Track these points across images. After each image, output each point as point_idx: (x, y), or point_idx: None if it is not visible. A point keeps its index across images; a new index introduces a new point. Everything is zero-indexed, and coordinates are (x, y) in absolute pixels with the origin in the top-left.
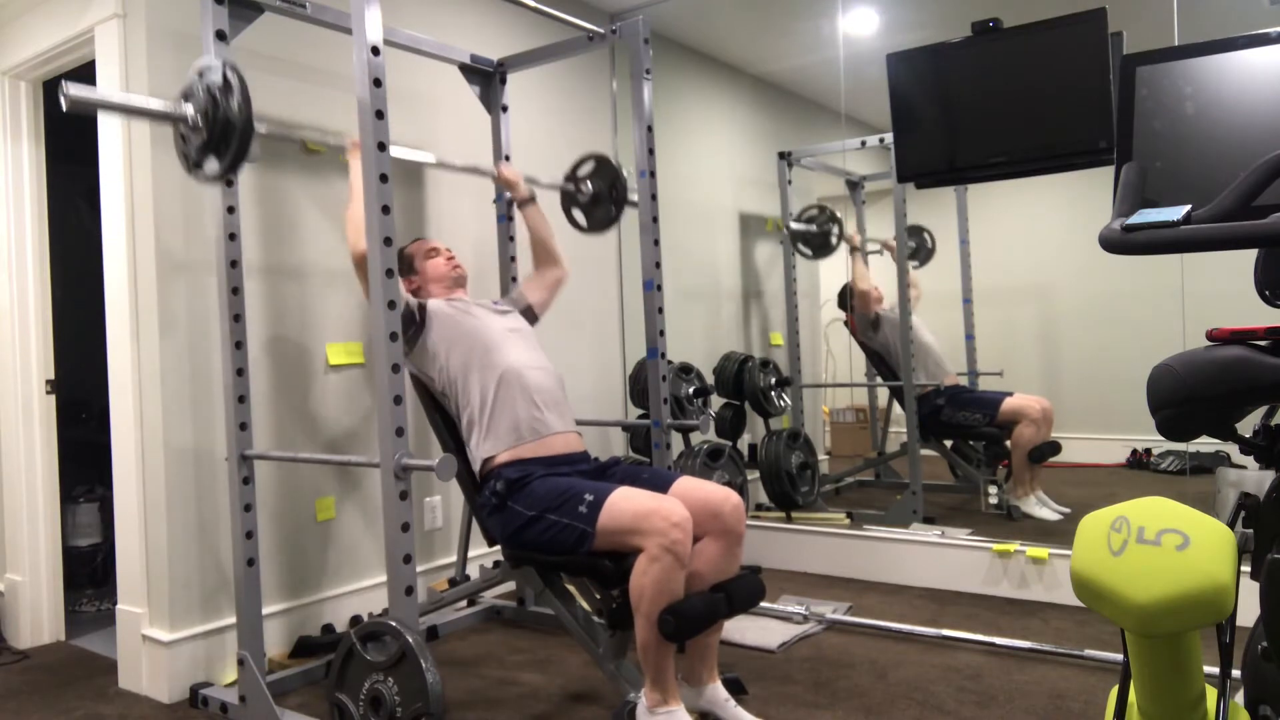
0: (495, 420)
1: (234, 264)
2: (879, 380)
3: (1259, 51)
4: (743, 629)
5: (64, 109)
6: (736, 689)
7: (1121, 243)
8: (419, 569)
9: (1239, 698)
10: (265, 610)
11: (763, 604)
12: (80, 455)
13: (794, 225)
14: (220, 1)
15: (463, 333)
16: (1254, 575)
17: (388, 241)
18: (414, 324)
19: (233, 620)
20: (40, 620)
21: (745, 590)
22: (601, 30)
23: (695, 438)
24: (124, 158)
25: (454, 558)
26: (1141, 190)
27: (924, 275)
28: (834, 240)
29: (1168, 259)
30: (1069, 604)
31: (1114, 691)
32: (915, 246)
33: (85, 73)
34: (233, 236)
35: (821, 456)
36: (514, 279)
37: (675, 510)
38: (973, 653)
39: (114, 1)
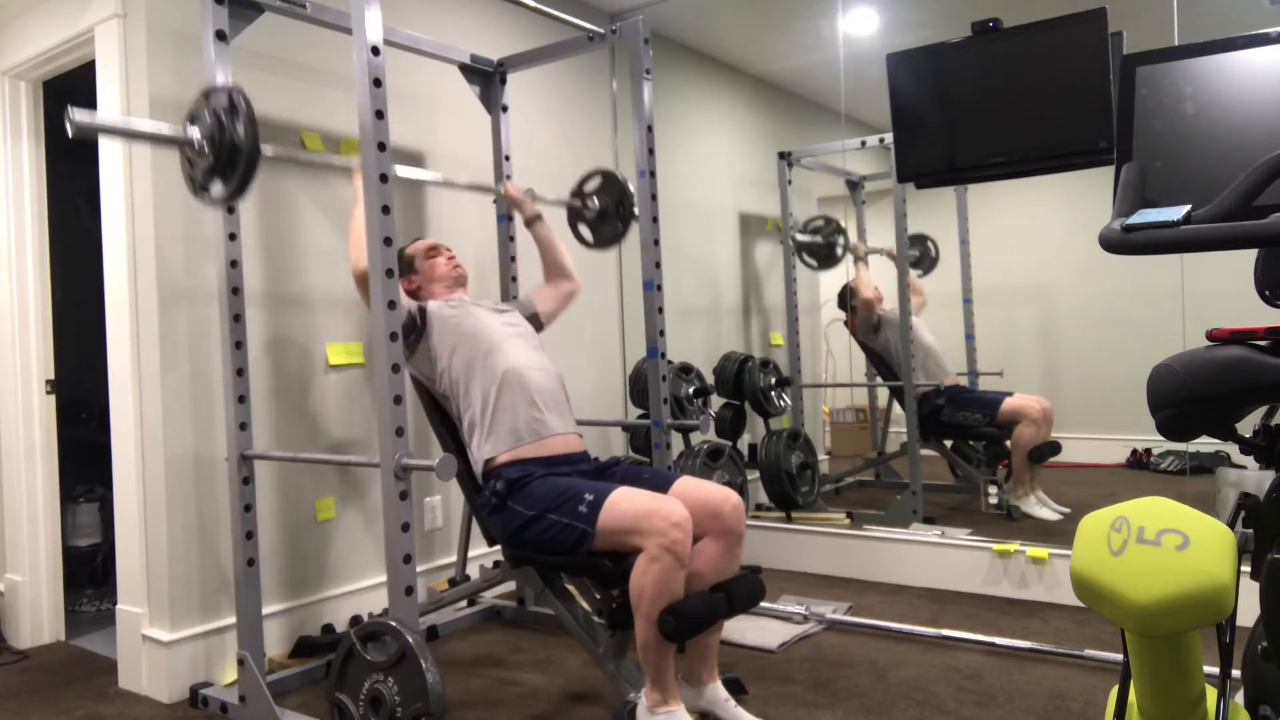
0: (496, 422)
1: (234, 264)
2: (879, 380)
3: (1259, 51)
4: (743, 629)
5: (69, 135)
6: (736, 689)
7: (1121, 243)
8: (419, 569)
9: (1239, 698)
10: (265, 610)
11: (763, 604)
12: (80, 455)
13: (799, 236)
14: (220, 1)
15: (463, 334)
16: (1254, 575)
17: (388, 241)
18: (415, 329)
19: (233, 620)
20: (40, 620)
21: (745, 590)
22: (601, 30)
23: (695, 438)
24: (124, 158)
25: (454, 558)
26: (1141, 190)
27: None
28: (839, 251)
29: (1168, 259)
30: (1069, 604)
31: (1114, 691)
32: (919, 255)
33: (85, 73)
34: (233, 237)
35: (821, 456)
36: (514, 279)
37: (675, 510)
38: (973, 653)
39: (114, 1)
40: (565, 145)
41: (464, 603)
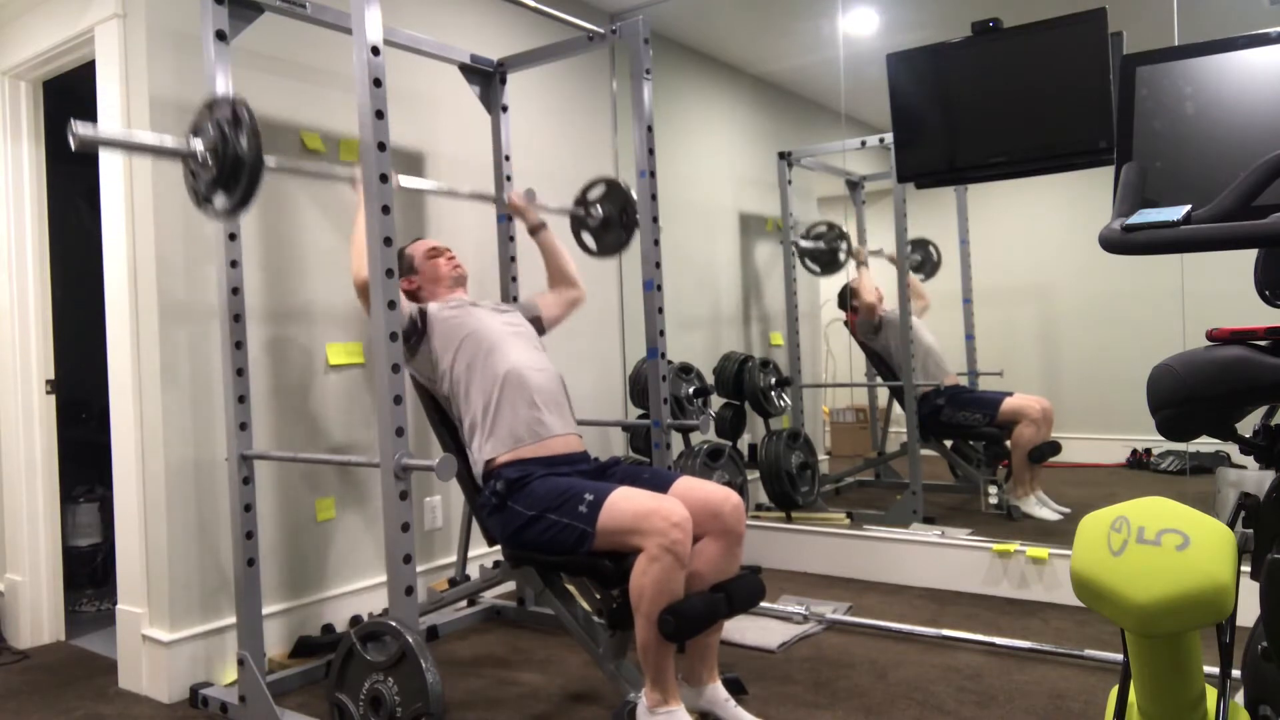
0: (496, 422)
1: (234, 264)
2: (879, 380)
3: (1259, 51)
4: (743, 629)
5: (72, 149)
6: (736, 689)
7: (1121, 243)
8: (419, 569)
9: (1239, 698)
10: (265, 610)
11: (763, 604)
12: (80, 455)
13: (802, 243)
14: (220, 1)
15: (464, 335)
16: (1254, 575)
17: (388, 242)
18: (415, 331)
19: (233, 620)
20: (40, 620)
21: (745, 590)
22: (601, 30)
23: (695, 438)
24: (124, 159)
25: (454, 558)
26: (1141, 190)
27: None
28: (842, 257)
29: (1168, 259)
30: (1069, 604)
31: (1114, 691)
32: (921, 260)
33: (85, 73)
34: (233, 237)
35: (821, 456)
36: (514, 279)
37: (675, 510)
38: (973, 653)
39: (114, 1)
40: (565, 145)
41: (464, 603)
